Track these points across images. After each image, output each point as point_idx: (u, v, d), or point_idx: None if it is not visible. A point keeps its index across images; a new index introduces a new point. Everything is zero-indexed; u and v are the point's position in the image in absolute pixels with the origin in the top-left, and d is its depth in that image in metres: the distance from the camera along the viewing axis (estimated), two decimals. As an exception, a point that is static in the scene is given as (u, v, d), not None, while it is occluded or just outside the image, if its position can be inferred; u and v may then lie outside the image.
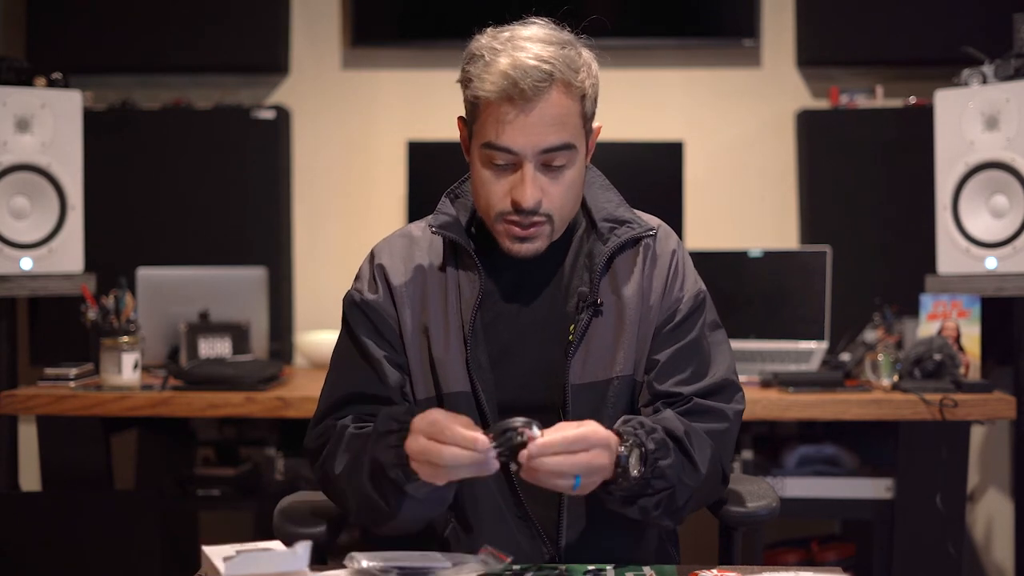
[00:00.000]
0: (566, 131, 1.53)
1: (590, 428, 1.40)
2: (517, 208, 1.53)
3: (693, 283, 1.66)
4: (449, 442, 1.36)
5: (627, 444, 1.44)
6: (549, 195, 1.54)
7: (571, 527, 1.59)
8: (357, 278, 1.69)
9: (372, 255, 1.69)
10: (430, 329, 1.61)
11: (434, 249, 1.66)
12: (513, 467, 1.37)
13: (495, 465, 1.37)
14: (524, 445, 1.36)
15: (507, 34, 1.55)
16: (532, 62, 1.49)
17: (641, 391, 1.61)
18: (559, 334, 1.60)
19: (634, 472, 1.44)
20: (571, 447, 1.37)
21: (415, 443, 1.40)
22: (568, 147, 1.54)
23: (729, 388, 1.62)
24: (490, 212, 1.57)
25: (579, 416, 1.56)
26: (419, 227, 1.70)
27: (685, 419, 1.55)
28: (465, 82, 1.56)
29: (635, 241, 1.64)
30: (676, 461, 1.49)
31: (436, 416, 1.40)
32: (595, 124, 1.62)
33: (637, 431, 1.47)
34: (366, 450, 1.50)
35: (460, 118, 1.62)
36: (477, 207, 1.61)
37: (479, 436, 1.36)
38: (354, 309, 1.66)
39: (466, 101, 1.58)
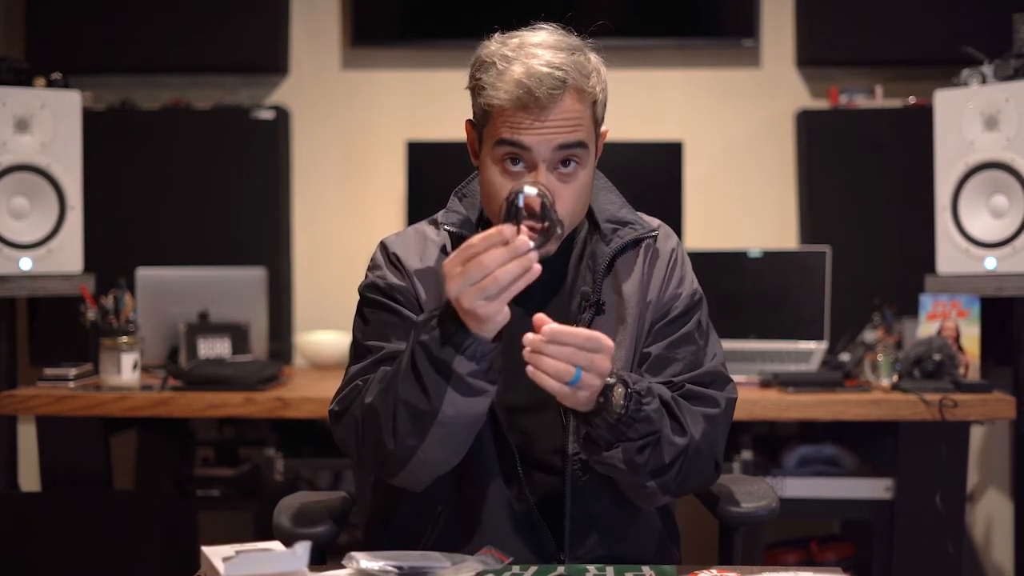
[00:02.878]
0: (579, 132, 1.54)
1: (603, 335, 1.42)
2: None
3: (690, 283, 1.67)
4: (482, 251, 1.36)
5: (612, 378, 1.45)
6: (561, 198, 1.54)
7: (573, 527, 1.59)
8: (374, 267, 1.67)
9: (384, 245, 1.68)
10: None
11: (444, 248, 1.66)
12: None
13: (532, 250, 1.37)
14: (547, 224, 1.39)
15: (516, 40, 1.55)
16: (545, 69, 1.50)
17: None
18: None
19: (617, 408, 1.45)
20: (584, 344, 1.39)
21: (454, 282, 1.38)
22: (581, 145, 1.54)
23: (720, 379, 1.62)
24: (501, 215, 1.57)
25: (579, 414, 1.56)
26: (428, 227, 1.70)
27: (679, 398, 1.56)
28: (476, 90, 1.56)
29: (636, 242, 1.65)
30: (662, 410, 1.50)
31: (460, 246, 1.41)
32: (602, 128, 1.62)
33: (623, 374, 1.49)
34: (401, 364, 1.47)
35: (469, 121, 1.62)
36: (487, 210, 1.61)
37: (500, 227, 1.37)
38: (378, 292, 1.63)
39: (476, 107, 1.58)
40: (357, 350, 1.63)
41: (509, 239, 1.36)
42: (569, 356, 1.39)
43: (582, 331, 1.40)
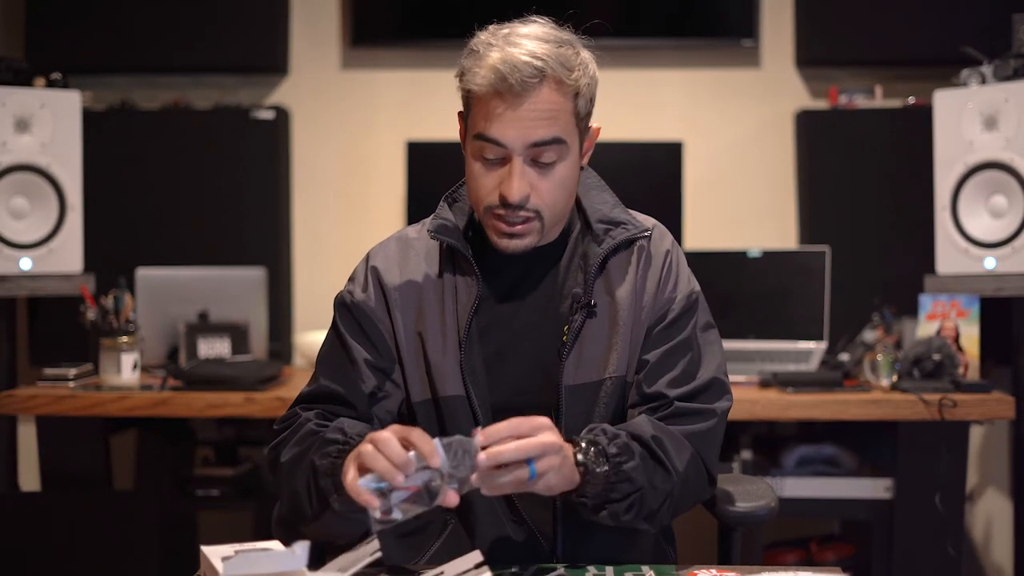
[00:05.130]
0: (556, 126, 1.52)
1: (532, 418, 1.37)
2: (504, 202, 1.53)
3: (686, 283, 1.65)
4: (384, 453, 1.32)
5: (582, 447, 1.43)
6: (538, 191, 1.54)
7: (566, 528, 1.58)
8: (351, 279, 1.69)
9: (367, 257, 1.70)
10: (427, 333, 1.61)
11: (431, 252, 1.65)
12: (474, 478, 1.33)
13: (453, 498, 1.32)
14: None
15: (506, 31, 1.55)
16: (524, 58, 1.49)
17: (630, 392, 1.61)
18: (553, 336, 1.60)
19: (599, 470, 1.42)
20: (516, 430, 1.35)
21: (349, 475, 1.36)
22: (558, 141, 1.53)
23: (715, 387, 1.61)
24: (479, 205, 1.57)
25: (572, 417, 1.56)
26: (415, 229, 1.70)
27: (663, 424, 1.54)
28: (460, 75, 1.57)
29: (629, 242, 1.64)
30: (642, 464, 1.48)
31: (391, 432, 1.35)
32: (594, 125, 1.61)
33: (597, 437, 1.46)
34: (311, 451, 1.50)
35: (459, 112, 1.63)
36: (470, 200, 1.62)
37: (437, 457, 1.31)
38: (343, 310, 1.67)
39: (461, 94, 1.59)
40: (317, 356, 1.69)
41: (423, 457, 1.31)
42: (513, 455, 1.33)
43: (508, 422, 1.35)
